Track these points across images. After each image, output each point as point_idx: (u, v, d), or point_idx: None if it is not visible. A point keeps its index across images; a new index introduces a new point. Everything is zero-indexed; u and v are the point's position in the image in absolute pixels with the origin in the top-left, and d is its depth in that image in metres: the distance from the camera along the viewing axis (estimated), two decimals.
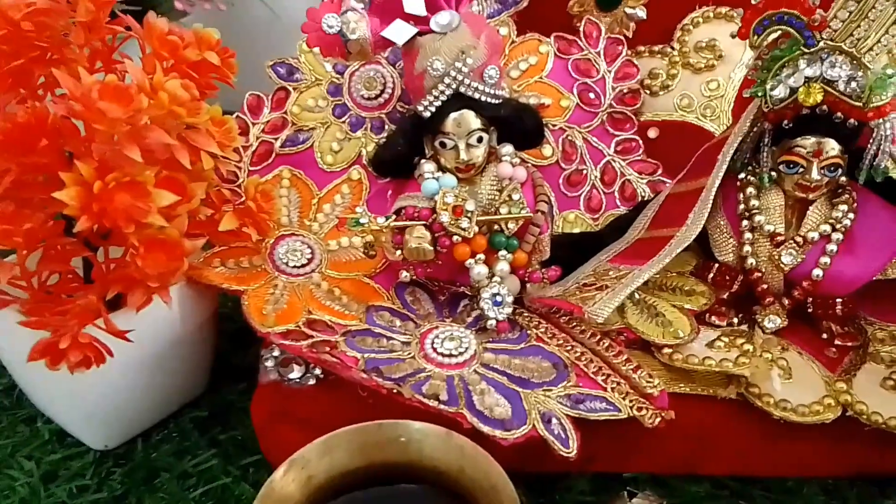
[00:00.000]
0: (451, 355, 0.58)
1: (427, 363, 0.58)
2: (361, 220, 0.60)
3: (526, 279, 0.64)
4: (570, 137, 0.75)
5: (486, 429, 0.51)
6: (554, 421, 0.53)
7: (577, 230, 0.73)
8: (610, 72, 0.75)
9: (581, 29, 0.76)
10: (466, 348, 0.59)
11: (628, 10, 0.77)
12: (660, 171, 0.75)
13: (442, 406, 0.52)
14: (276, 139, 0.74)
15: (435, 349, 0.59)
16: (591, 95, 0.75)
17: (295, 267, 0.66)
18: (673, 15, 0.77)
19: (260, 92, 0.76)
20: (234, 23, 0.85)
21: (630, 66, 0.76)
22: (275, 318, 0.59)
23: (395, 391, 0.51)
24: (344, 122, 0.74)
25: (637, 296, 0.63)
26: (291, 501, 0.44)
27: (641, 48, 0.78)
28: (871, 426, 0.54)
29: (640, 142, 0.75)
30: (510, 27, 0.75)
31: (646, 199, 0.73)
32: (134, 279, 0.52)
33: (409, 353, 0.58)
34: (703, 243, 0.66)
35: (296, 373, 0.59)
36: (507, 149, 0.64)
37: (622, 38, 0.76)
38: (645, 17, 0.77)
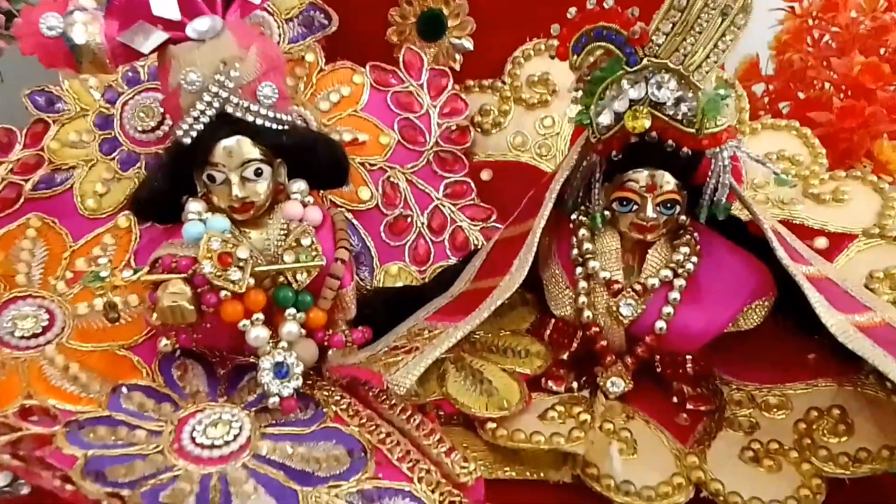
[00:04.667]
0: (213, 446, 0.45)
1: (179, 459, 0.44)
2: (102, 274, 0.47)
3: (325, 343, 0.52)
4: (391, 179, 0.65)
5: None
6: None
7: (400, 285, 0.63)
8: (435, 107, 0.67)
9: (401, 59, 0.67)
10: (236, 436, 0.46)
11: (454, 41, 0.70)
12: (494, 217, 0.66)
13: None
14: (26, 180, 0.60)
15: (194, 439, 0.45)
16: (415, 132, 0.66)
17: (24, 338, 0.52)
18: (503, 47, 0.70)
19: (13, 126, 0.63)
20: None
21: (457, 100, 0.67)
22: None
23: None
24: (113, 159, 0.61)
25: (463, 359, 0.53)
26: None
27: (470, 82, 0.70)
28: None
29: (472, 184, 0.67)
30: (317, 53, 0.65)
31: (478, 248, 0.64)
32: None
33: (156, 447, 0.44)
34: (542, 295, 0.57)
35: (1, 480, 0.44)
36: (298, 185, 0.52)
37: (447, 70, 0.68)
38: (472, 49, 0.70)
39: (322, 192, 0.61)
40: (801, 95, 0.84)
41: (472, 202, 0.66)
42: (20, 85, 0.63)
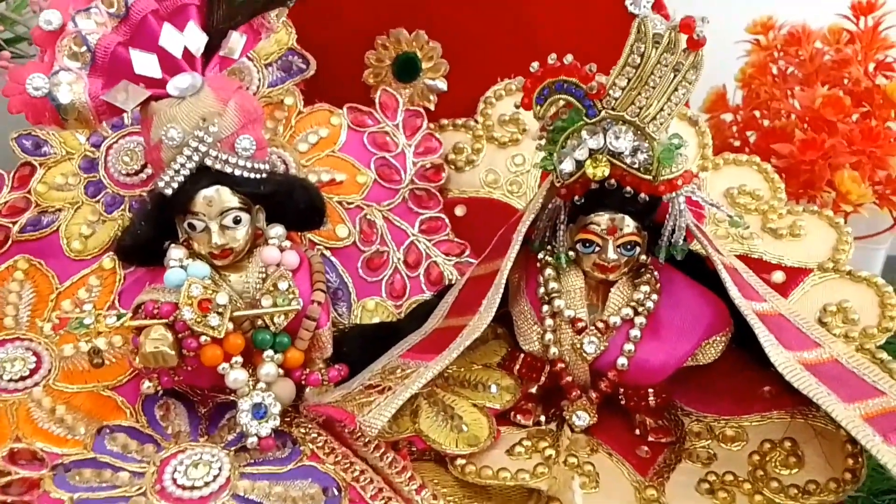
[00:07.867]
0: (194, 487, 0.47)
1: (161, 500, 0.46)
2: (86, 321, 0.49)
3: (303, 382, 0.55)
4: (368, 216, 0.67)
5: None
6: None
7: (377, 319, 0.65)
8: (410, 146, 0.69)
9: (377, 100, 0.70)
10: (216, 476, 0.48)
11: (428, 82, 0.72)
12: (467, 252, 0.69)
13: None
14: (14, 223, 0.62)
15: (175, 480, 0.47)
16: (391, 171, 0.68)
17: (11, 380, 0.54)
18: (475, 87, 0.73)
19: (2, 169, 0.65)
20: None
21: (432, 139, 0.70)
22: None
23: None
24: (98, 201, 0.63)
25: (436, 394, 0.55)
26: None
27: (444, 121, 0.73)
28: None
29: (447, 220, 0.69)
30: (296, 97, 0.67)
31: (452, 282, 0.67)
32: None
33: (139, 489, 0.47)
34: (513, 330, 0.60)
35: None
36: (276, 230, 0.55)
37: (422, 110, 0.71)
38: (446, 89, 0.72)
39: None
40: (767, 123, 0.87)
41: (446, 237, 0.69)
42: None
